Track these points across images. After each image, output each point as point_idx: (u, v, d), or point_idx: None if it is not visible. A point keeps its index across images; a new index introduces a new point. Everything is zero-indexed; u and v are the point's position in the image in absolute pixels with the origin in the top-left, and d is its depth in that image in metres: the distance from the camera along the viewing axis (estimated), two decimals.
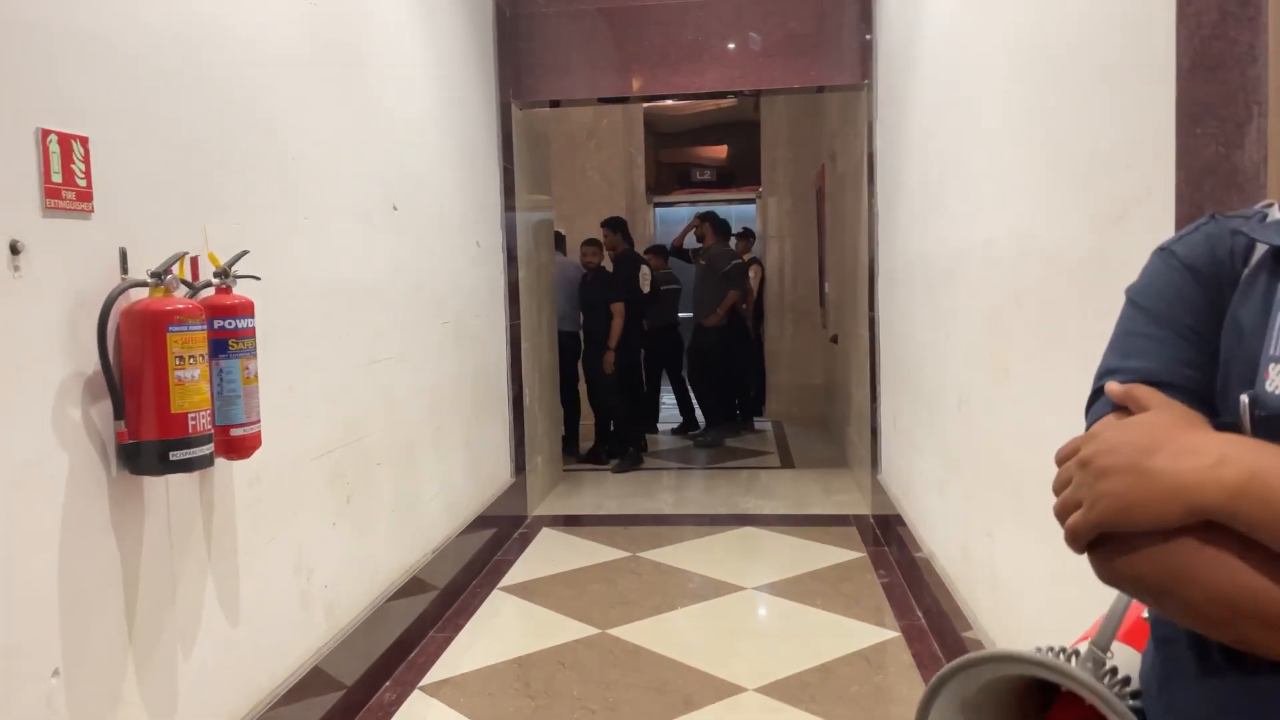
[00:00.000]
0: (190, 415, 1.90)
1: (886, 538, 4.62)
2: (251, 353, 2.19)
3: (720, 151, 10.33)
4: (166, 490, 2.06)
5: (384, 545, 3.28)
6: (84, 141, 1.79)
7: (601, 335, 6.63)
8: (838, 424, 7.24)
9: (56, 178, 1.72)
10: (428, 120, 3.90)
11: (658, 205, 9.90)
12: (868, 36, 4.96)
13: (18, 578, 1.63)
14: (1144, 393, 0.72)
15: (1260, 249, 0.72)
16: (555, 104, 5.59)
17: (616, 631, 3.65)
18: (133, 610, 1.93)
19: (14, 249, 1.62)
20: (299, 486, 2.67)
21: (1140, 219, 1.63)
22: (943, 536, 3.40)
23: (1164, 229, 1.51)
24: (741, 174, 9.97)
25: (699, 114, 9.60)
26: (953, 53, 3.13)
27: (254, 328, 2.20)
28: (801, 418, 8.70)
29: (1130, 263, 1.73)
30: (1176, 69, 1.45)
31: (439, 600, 3.80)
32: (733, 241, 8.81)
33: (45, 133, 1.70)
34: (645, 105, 9.18)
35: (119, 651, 1.89)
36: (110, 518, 1.87)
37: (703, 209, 9.07)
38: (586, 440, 7.25)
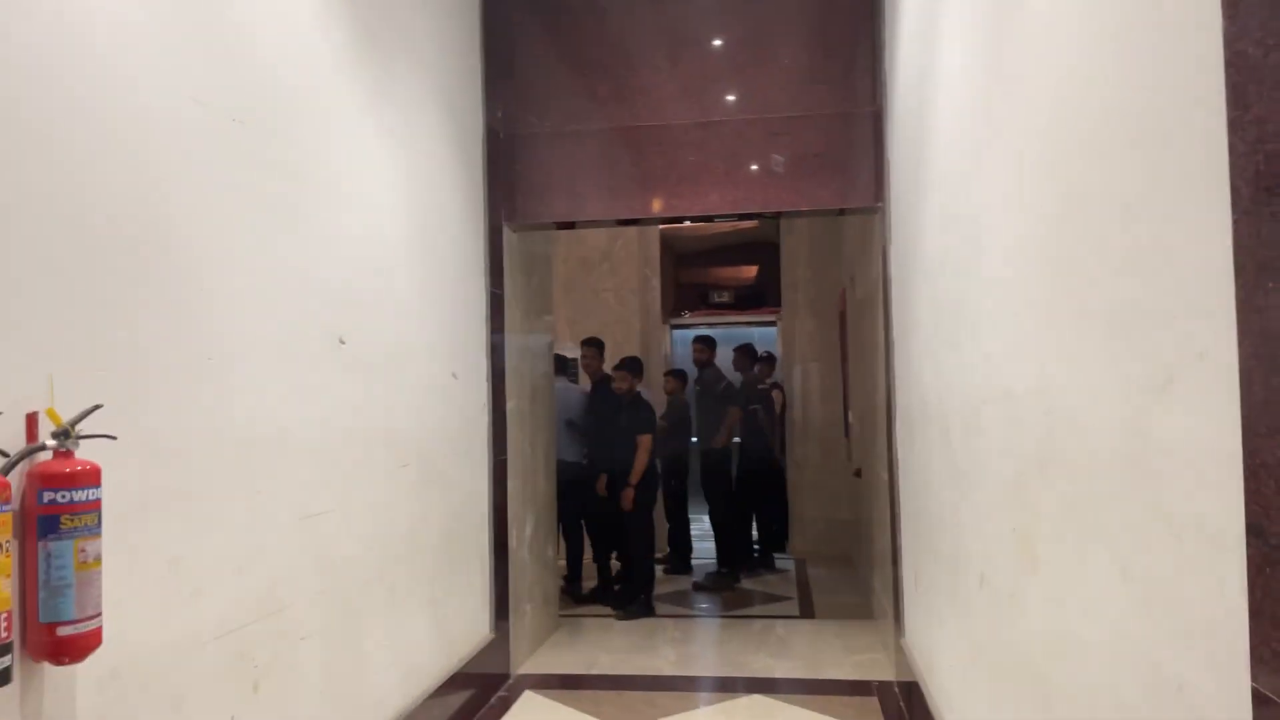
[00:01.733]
0: None
1: (912, 713, 4.04)
2: (93, 531, 1.80)
3: (743, 272, 10.07)
4: None
5: None
6: None
7: (626, 466, 6.22)
8: (864, 566, 6.68)
9: None
10: (394, 244, 3.59)
11: (675, 327, 9.59)
12: (882, 158, 4.66)
13: None
14: None
15: None
16: (565, 225, 5.34)
17: None
18: None
19: None
20: (179, 678, 2.23)
21: (1188, 392, 1.21)
22: None
23: (1224, 409, 1.09)
24: (761, 294, 9.67)
25: (717, 234, 9.37)
26: (959, 175, 2.77)
27: (99, 500, 1.82)
28: (827, 556, 8.11)
29: (1179, 447, 1.30)
30: (1232, 198, 1.04)
31: None
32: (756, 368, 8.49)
33: None
34: (663, 227, 8.99)
35: None
36: None
37: (721, 332, 8.75)
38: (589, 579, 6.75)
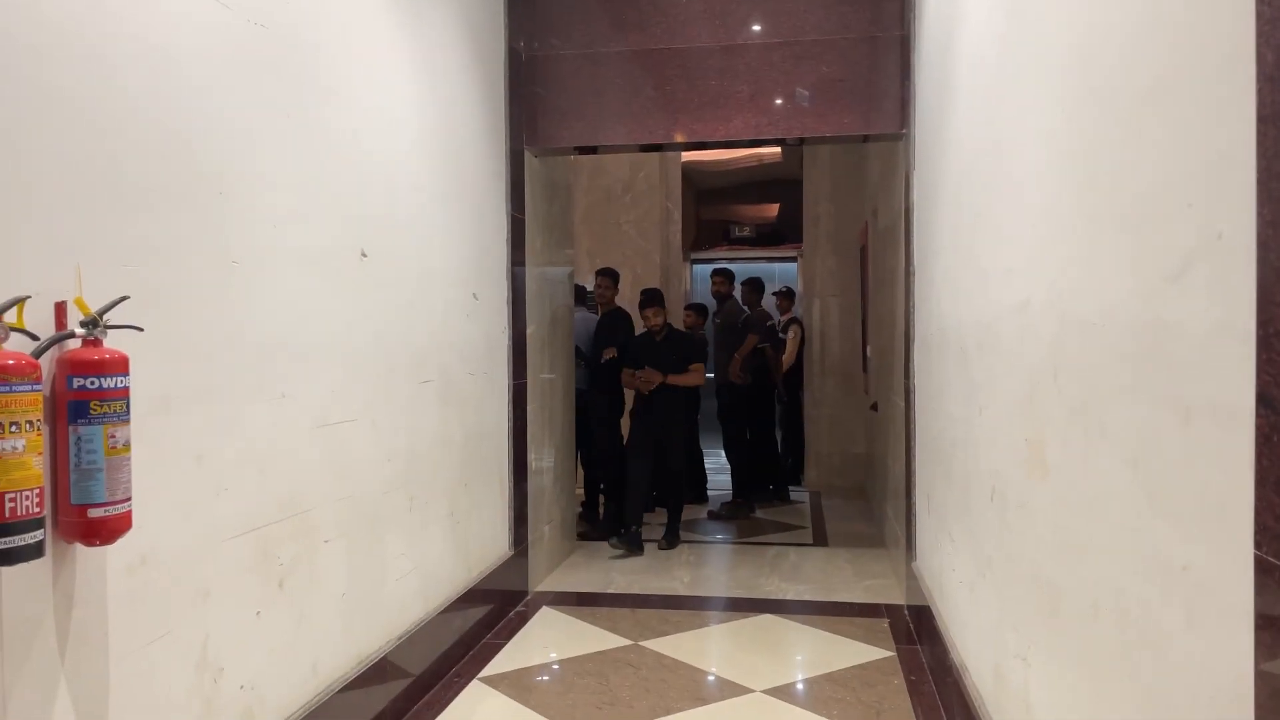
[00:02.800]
0: (8, 496, 1.55)
1: (920, 634, 4.11)
2: (122, 418, 1.84)
3: (765, 208, 9.99)
4: None
5: (331, 634, 2.90)
6: None
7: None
8: (878, 498, 6.73)
9: None
10: (415, 163, 3.59)
11: (695, 262, 9.55)
12: (908, 83, 4.59)
13: None
14: None
15: None
16: (586, 150, 5.30)
17: None
18: None
19: None
20: (206, 571, 2.30)
21: (1206, 275, 1.21)
22: (975, 648, 2.91)
23: (1240, 289, 1.09)
24: (783, 231, 9.60)
25: (739, 169, 9.27)
26: (983, 88, 2.73)
27: (127, 388, 1.86)
28: (842, 489, 8.18)
29: (1190, 335, 1.31)
30: (1257, 68, 1.03)
31: (406, 693, 3.39)
32: (772, 302, 8.47)
33: None
34: (685, 160, 8.91)
35: None
36: None
37: (741, 267, 8.72)
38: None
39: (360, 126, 3.14)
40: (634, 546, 5.82)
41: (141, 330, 1.96)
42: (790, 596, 4.96)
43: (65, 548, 1.85)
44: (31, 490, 1.59)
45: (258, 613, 2.52)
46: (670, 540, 6.01)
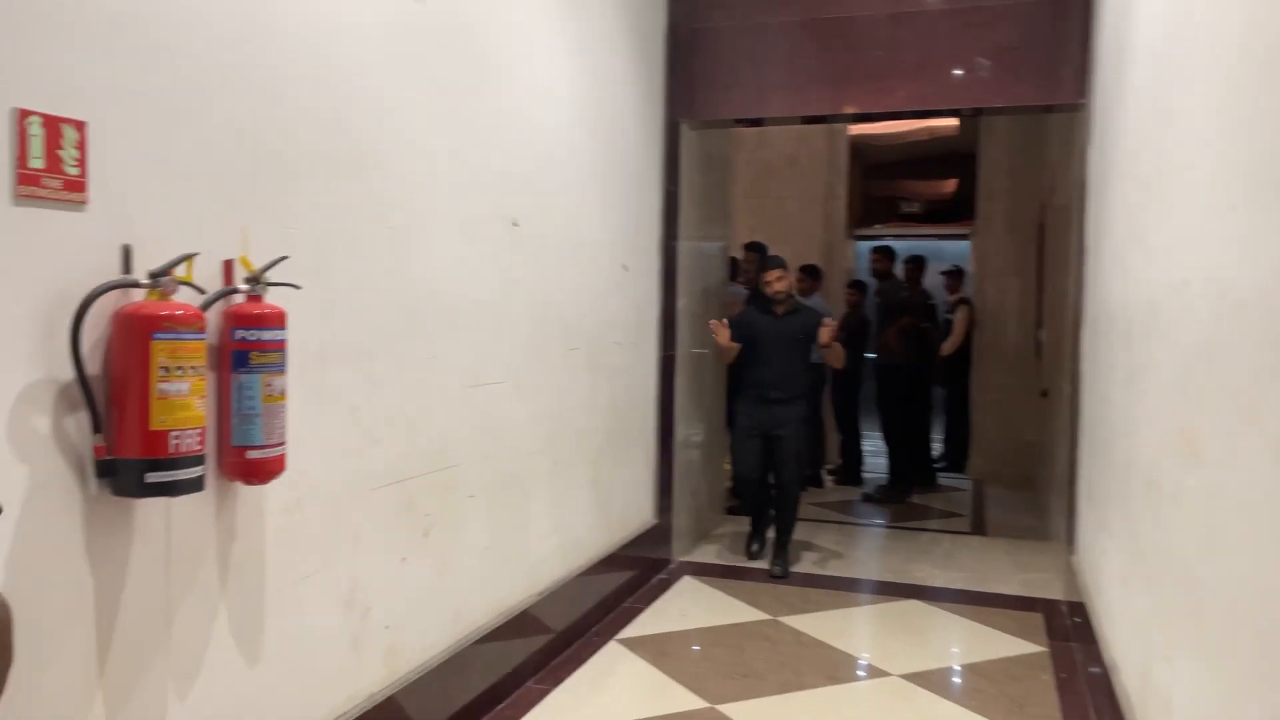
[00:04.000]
0: (173, 434, 1.71)
1: (1076, 631, 3.91)
2: (279, 368, 1.99)
3: (936, 183, 9.62)
4: (167, 513, 1.89)
5: (472, 585, 3.04)
6: (80, 126, 1.65)
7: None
8: (1044, 489, 6.41)
9: (36, 163, 1.58)
10: (568, 136, 3.67)
11: (859, 239, 9.31)
12: (1088, 51, 4.31)
13: None
14: None
15: None
16: (745, 122, 5.27)
17: (726, 708, 3.23)
18: (106, 645, 1.76)
19: None
20: (356, 516, 2.46)
21: None
22: (1125, 647, 2.76)
23: None
24: (955, 208, 9.22)
25: (910, 143, 8.96)
26: (1158, 53, 2.54)
27: (284, 341, 2.01)
28: (1009, 478, 7.82)
29: None
30: None
31: (545, 648, 3.52)
32: (940, 281, 8.17)
33: (24, 113, 1.56)
34: (852, 133, 8.68)
35: (81, 689, 1.72)
36: (83, 539, 1.70)
37: (906, 245, 8.44)
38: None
39: (516, 101, 3.24)
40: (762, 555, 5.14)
41: (299, 288, 2.11)
42: (940, 584, 4.82)
43: (227, 485, 2.03)
44: (194, 430, 1.74)
45: (403, 559, 2.67)
46: (780, 566, 4.85)
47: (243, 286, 1.99)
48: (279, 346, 2.00)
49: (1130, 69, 3.07)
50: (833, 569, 5.07)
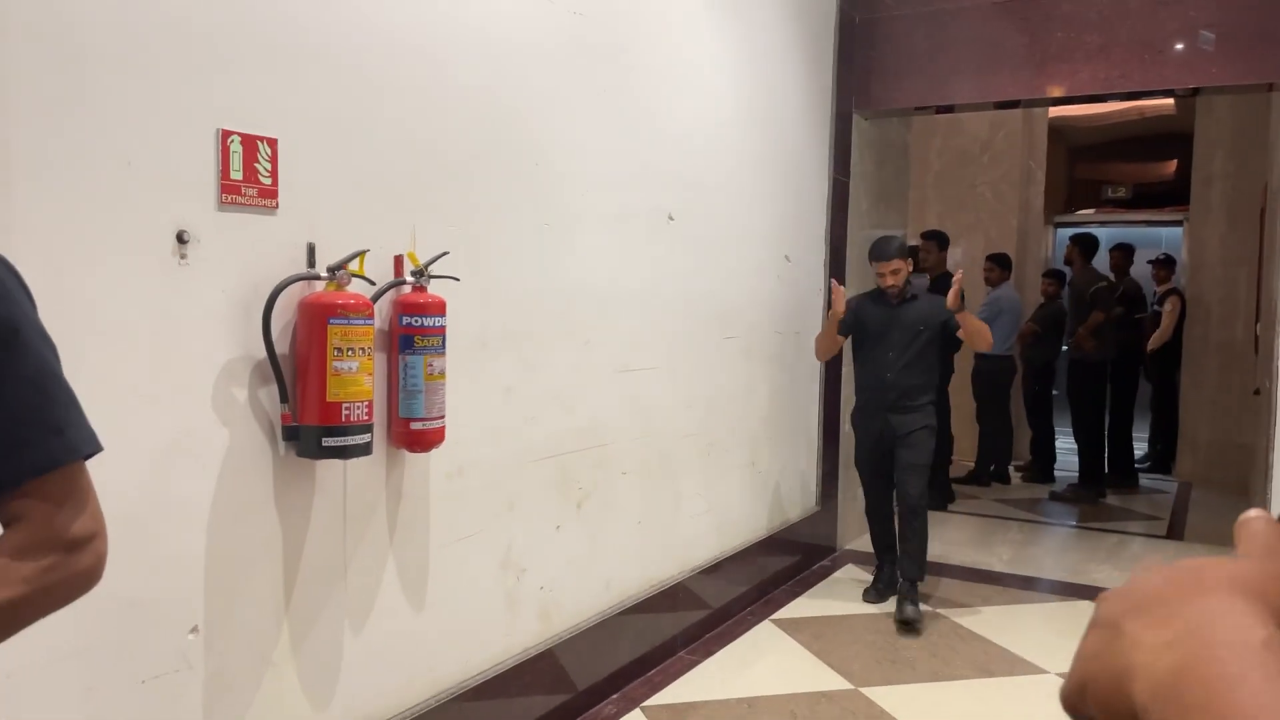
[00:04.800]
0: (345, 405, 1.99)
1: None
2: (439, 351, 2.26)
3: (1146, 166, 9.02)
4: (344, 474, 2.19)
5: (624, 556, 3.25)
6: (272, 143, 1.96)
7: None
8: (1258, 494, 5.95)
9: (236, 175, 1.89)
10: (728, 132, 3.80)
11: (1059, 225, 8.87)
12: None
13: (162, 535, 1.81)
14: (1259, 523, 0.47)
15: None
16: (925, 110, 5.20)
17: (870, 692, 3.29)
18: (291, 583, 2.08)
19: (181, 239, 1.80)
20: (512, 485, 2.71)
21: None
22: None
23: None
24: (1166, 193, 8.62)
25: (1117, 124, 8.44)
26: None
27: (443, 327, 2.27)
28: (1219, 482, 7.27)
29: None
30: None
31: (698, 623, 3.69)
32: (1147, 270, 7.68)
33: (226, 133, 1.87)
34: (1053, 115, 8.29)
35: (271, 619, 2.04)
36: (273, 492, 2.02)
37: (1110, 232, 7.98)
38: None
39: (670, 99, 3.40)
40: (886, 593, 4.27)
41: (458, 280, 2.37)
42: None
43: (395, 453, 2.32)
44: (362, 402, 2.02)
45: (557, 527, 2.91)
46: (911, 611, 3.92)
47: (409, 279, 2.26)
48: (439, 332, 2.26)
49: None
50: (1003, 565, 4.96)
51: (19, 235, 1.56)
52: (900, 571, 4.08)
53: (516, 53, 2.65)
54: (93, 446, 0.92)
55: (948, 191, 8.26)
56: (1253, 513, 0.47)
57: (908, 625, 3.89)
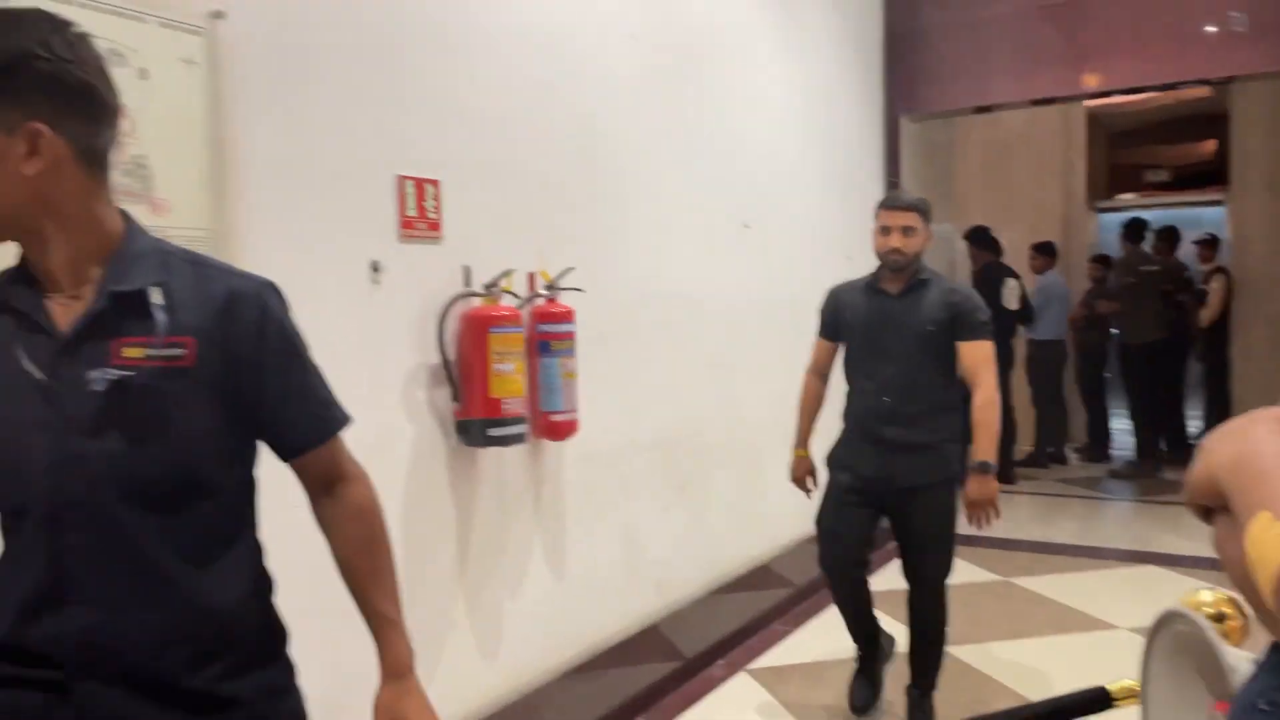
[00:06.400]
0: (503, 400, 2.36)
1: None
2: (569, 353, 2.62)
3: (1185, 148, 9.19)
4: (500, 462, 2.55)
5: (721, 536, 3.59)
6: (435, 184, 2.33)
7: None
8: None
9: (411, 212, 2.26)
10: (791, 144, 4.14)
11: (1101, 211, 9.06)
12: None
13: None
14: None
15: None
16: (969, 110, 5.49)
17: (953, 649, 3.58)
18: (465, 556, 2.44)
19: (375, 267, 2.17)
20: (627, 470, 3.06)
21: None
22: None
23: None
24: (1206, 173, 8.78)
25: (1155, 108, 8.63)
26: None
27: (573, 332, 2.63)
28: None
29: None
30: None
31: (788, 598, 4.00)
32: (1195, 250, 7.86)
33: (402, 179, 2.24)
34: (1089, 104, 8.50)
35: (451, 586, 2.41)
36: (448, 478, 2.39)
37: (1157, 214, 8.16)
38: None
39: (740, 116, 3.75)
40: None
41: (582, 291, 2.73)
42: (1184, 552, 4.85)
43: (537, 442, 2.68)
44: (517, 398, 2.39)
45: (665, 508, 3.26)
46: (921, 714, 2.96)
47: (543, 293, 2.62)
48: (569, 336, 2.62)
49: None
50: (1069, 538, 5.21)
51: (263, 268, 1.93)
52: (911, 678, 2.99)
53: (611, 95, 3.01)
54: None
55: (989, 183, 8.49)
56: None
57: None
